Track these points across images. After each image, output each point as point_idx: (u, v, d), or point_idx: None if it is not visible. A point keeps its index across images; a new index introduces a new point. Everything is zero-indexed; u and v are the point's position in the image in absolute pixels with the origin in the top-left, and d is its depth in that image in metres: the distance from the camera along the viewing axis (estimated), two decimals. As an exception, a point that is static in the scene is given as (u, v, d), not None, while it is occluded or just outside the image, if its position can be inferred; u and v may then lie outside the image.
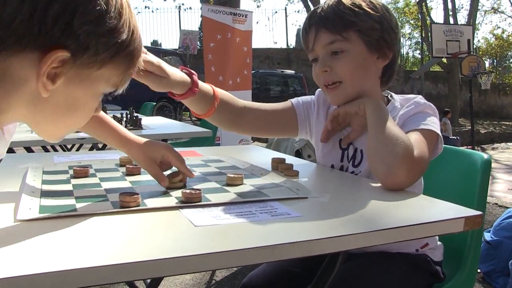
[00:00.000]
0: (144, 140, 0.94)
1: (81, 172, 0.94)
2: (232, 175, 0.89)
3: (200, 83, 0.99)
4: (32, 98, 0.61)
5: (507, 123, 15.94)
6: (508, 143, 11.16)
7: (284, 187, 0.86)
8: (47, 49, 0.57)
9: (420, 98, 1.04)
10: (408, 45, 25.72)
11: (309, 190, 0.84)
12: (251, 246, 0.54)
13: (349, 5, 0.98)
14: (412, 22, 22.71)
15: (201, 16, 4.87)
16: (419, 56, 22.18)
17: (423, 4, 16.80)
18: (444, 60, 13.54)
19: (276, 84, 13.57)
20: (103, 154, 1.33)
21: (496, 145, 11.04)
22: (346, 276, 0.90)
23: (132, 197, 0.71)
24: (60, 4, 0.56)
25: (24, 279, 0.45)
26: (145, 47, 0.77)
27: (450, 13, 16.91)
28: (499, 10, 24.19)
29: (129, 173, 0.97)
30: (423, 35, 16.70)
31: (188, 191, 0.75)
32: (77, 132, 1.94)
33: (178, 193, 0.79)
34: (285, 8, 24.88)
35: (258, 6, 25.84)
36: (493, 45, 24.23)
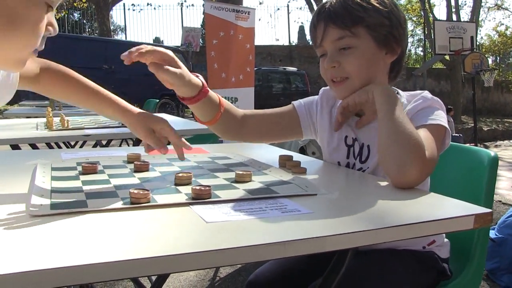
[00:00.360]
0: (140, 110, 0.94)
1: (90, 168, 0.94)
2: (241, 172, 0.89)
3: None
4: None
5: (510, 120, 15.90)
6: (511, 141, 11.14)
7: (293, 184, 0.86)
8: None
9: (427, 93, 1.04)
10: (411, 42, 25.62)
11: (318, 187, 0.84)
12: (264, 242, 0.54)
13: (358, 0, 0.98)
14: (414, 19, 22.58)
15: (204, 13, 4.86)
16: (422, 53, 22.09)
17: (426, 0, 16.74)
18: (447, 57, 13.48)
19: (278, 81, 13.54)
20: (109, 151, 1.34)
21: (499, 142, 11.01)
22: (354, 273, 0.90)
23: (143, 193, 0.71)
24: None
25: (35, 274, 0.45)
26: (147, 44, 0.77)
27: (453, 10, 16.86)
28: (503, 6, 24.07)
29: (137, 169, 0.97)
30: (426, 32, 16.62)
31: (198, 187, 0.75)
32: (82, 129, 1.95)
33: (187, 189, 0.79)
34: (287, 5, 24.94)
35: (260, 3, 25.84)
36: (496, 42, 24.11)
